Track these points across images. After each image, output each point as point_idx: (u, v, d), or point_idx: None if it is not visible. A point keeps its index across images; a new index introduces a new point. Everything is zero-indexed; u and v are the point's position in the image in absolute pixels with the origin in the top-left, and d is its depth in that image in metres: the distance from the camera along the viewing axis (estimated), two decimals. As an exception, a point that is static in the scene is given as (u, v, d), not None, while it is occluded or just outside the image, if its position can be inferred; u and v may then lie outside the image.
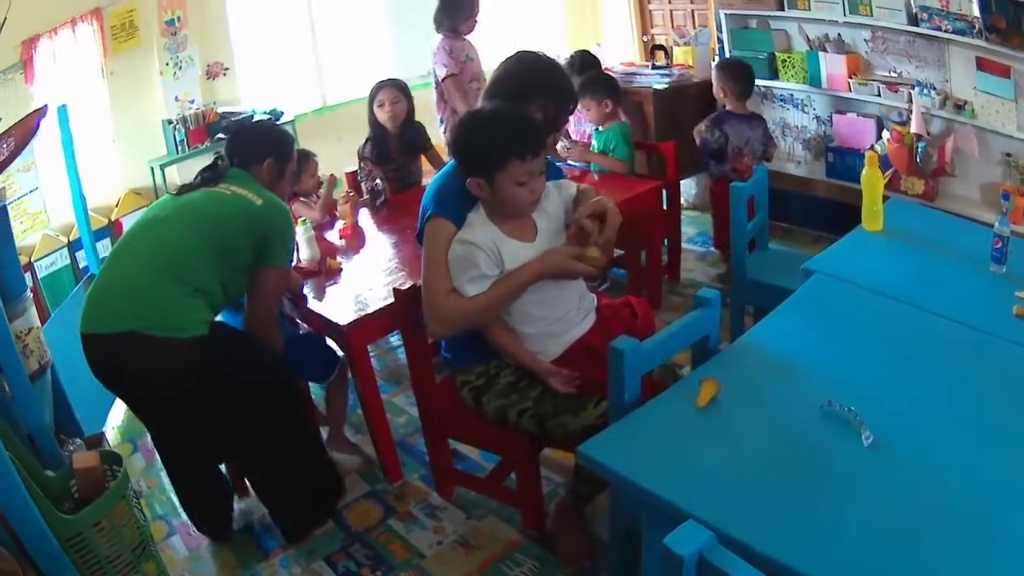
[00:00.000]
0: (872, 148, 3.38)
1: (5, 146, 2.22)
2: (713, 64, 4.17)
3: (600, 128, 4.21)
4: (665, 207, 4.31)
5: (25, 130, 2.27)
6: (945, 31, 3.76)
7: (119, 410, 3.60)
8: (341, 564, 2.61)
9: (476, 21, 4.66)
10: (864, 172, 2.81)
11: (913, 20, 3.90)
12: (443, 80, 4.56)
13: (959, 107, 3.86)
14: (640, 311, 2.44)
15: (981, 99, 3.77)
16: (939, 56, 3.90)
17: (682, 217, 4.61)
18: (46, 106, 2.09)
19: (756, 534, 1.38)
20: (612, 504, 2.22)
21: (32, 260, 2.94)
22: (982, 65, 3.70)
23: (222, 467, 2.84)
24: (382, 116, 4.02)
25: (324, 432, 3.10)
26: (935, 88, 3.93)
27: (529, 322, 2.29)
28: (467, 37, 4.68)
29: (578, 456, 1.71)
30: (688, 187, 5.50)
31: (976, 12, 3.57)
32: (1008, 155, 3.76)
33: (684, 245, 4.69)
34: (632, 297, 2.55)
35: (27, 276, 2.67)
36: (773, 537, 1.38)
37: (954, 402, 1.81)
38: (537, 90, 2.37)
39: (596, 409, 2.16)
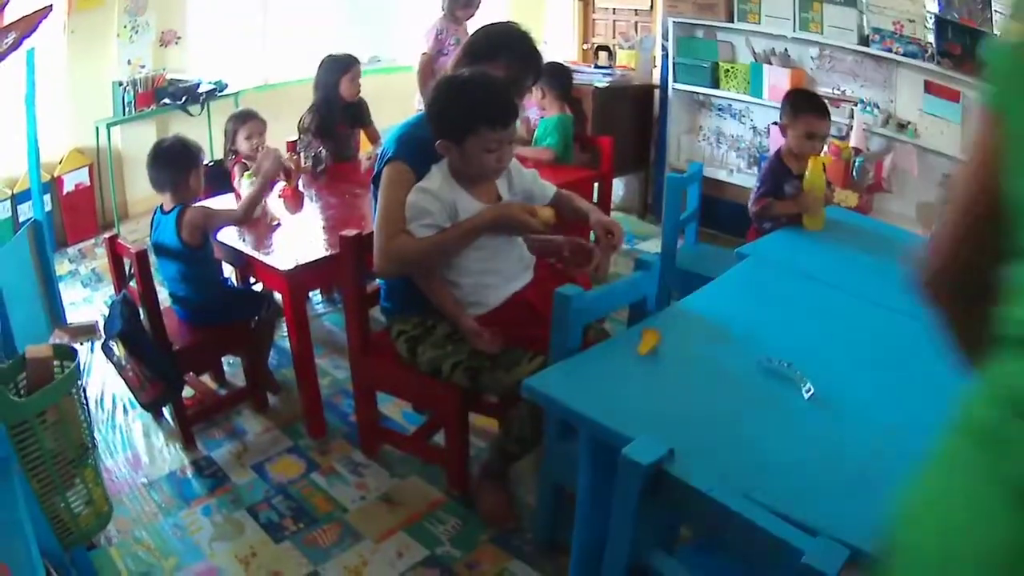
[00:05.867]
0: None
1: (6, 41, 2.14)
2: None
3: (543, 116, 4.26)
4: (595, 202, 4.36)
5: (27, 26, 2.19)
6: (896, 53, 3.90)
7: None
8: (263, 514, 2.57)
9: (474, 11, 4.96)
10: (808, 170, 2.89)
11: (864, 41, 4.05)
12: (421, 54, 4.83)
13: (902, 126, 3.99)
14: (578, 277, 2.47)
15: (926, 120, 3.90)
16: (886, 77, 4.04)
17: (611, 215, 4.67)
18: (51, 6, 2.01)
19: (703, 469, 1.39)
20: (545, 457, 2.24)
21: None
22: (930, 88, 3.84)
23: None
24: (352, 89, 4.17)
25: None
26: (878, 107, 4.07)
27: (468, 273, 2.31)
28: (466, 23, 4.95)
29: (522, 390, 1.73)
30: (617, 187, 5.56)
31: (930, 38, 3.72)
32: (948, 176, 3.87)
33: (611, 242, 4.71)
34: None
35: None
36: (720, 469, 1.40)
37: (885, 369, 1.87)
38: (505, 50, 2.43)
39: (531, 364, 2.19)
